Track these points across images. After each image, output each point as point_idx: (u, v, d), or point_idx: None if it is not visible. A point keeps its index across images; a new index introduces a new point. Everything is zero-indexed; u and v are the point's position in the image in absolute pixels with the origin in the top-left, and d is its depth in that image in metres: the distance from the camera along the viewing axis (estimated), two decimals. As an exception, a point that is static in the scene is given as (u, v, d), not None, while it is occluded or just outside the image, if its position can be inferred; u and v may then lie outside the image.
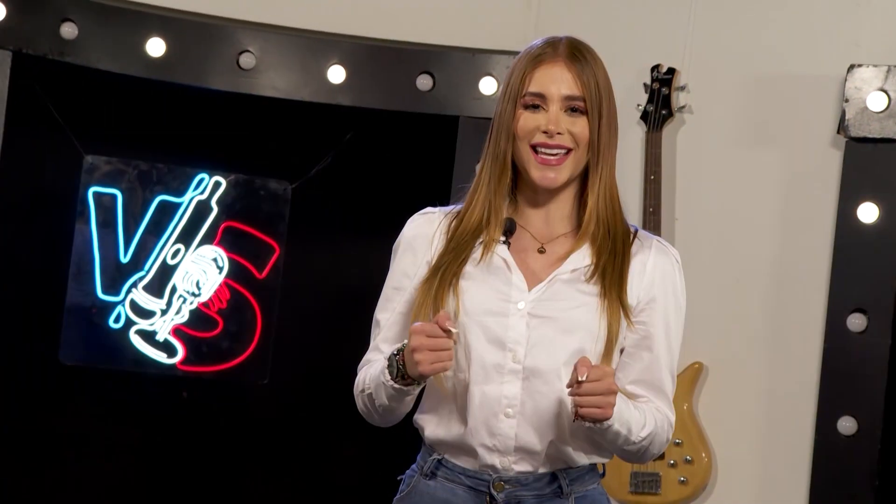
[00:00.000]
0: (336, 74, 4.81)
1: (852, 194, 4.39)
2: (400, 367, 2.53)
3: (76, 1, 4.67)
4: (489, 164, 2.64)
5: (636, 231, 2.69)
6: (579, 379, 2.43)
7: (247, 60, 4.79)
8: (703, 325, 4.57)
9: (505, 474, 2.59)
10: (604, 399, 2.46)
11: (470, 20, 4.92)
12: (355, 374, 2.72)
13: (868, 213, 4.36)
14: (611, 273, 2.61)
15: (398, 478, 2.72)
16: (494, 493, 2.60)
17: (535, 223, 2.67)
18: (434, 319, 2.48)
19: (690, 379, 4.58)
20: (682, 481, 4.53)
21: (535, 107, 2.62)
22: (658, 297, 2.64)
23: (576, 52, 2.63)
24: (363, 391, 2.65)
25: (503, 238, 2.62)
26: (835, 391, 4.39)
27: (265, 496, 5.16)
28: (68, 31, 4.65)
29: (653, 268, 2.66)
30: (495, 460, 2.58)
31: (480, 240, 2.63)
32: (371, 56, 4.84)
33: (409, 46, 4.85)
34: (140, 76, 4.73)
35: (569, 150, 2.60)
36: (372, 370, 2.62)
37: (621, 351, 2.65)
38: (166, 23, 4.75)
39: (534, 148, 2.60)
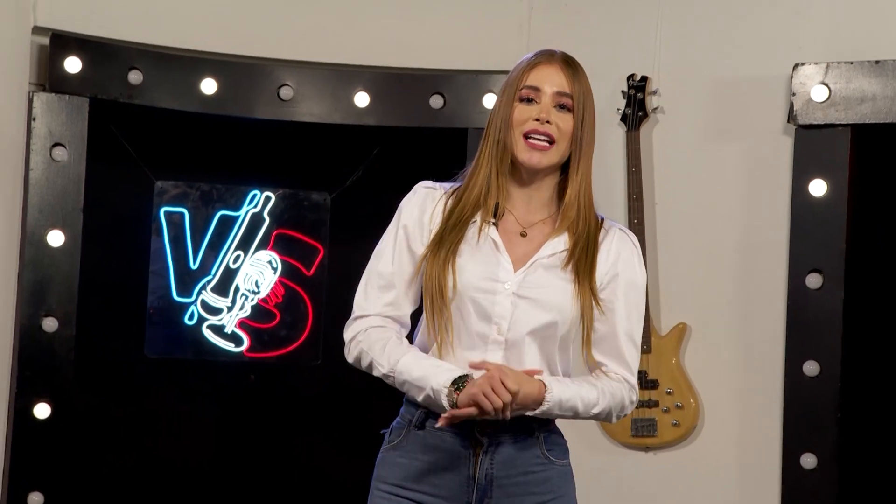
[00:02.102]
0: (362, 99, 4.84)
1: (803, 173, 4.44)
2: (460, 388, 2.53)
3: (140, 51, 4.71)
4: (489, 148, 2.66)
5: (602, 219, 2.72)
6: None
7: (286, 92, 4.81)
8: (684, 292, 4.68)
9: (486, 421, 2.59)
10: (510, 402, 2.49)
11: (472, 46, 4.93)
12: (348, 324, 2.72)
13: (818, 188, 4.42)
14: (583, 262, 2.64)
15: (381, 432, 2.73)
16: (479, 436, 2.62)
17: (519, 207, 2.68)
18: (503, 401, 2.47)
19: (677, 337, 4.62)
20: (675, 424, 4.59)
21: (530, 100, 2.64)
22: (619, 275, 2.68)
23: (569, 60, 2.69)
24: (374, 366, 2.64)
25: (493, 220, 2.64)
26: (799, 340, 4.44)
27: (320, 461, 5.13)
28: (135, 77, 4.69)
29: (616, 251, 2.69)
30: None
31: (475, 219, 2.65)
32: (390, 82, 4.85)
33: (421, 72, 4.87)
34: (197, 112, 4.77)
35: (553, 142, 2.63)
36: (408, 361, 2.59)
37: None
38: (217, 65, 4.77)
39: (525, 136, 2.63)
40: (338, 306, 5.06)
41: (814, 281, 4.43)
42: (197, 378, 5.11)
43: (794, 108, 4.43)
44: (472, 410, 2.50)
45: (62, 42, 4.64)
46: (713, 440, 4.64)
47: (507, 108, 2.65)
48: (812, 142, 4.45)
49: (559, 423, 2.74)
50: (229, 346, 5.04)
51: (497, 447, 2.63)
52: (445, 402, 2.54)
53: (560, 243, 2.67)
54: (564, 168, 2.70)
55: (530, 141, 2.63)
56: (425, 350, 2.68)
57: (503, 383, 2.49)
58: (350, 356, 2.74)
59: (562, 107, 2.65)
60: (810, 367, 4.43)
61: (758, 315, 4.60)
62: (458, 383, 2.54)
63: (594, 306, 2.64)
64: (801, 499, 4.43)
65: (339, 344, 5.00)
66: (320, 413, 5.19)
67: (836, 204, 4.42)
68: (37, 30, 4.66)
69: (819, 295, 4.43)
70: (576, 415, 2.64)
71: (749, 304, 4.62)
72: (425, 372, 2.58)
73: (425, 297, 2.64)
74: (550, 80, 2.65)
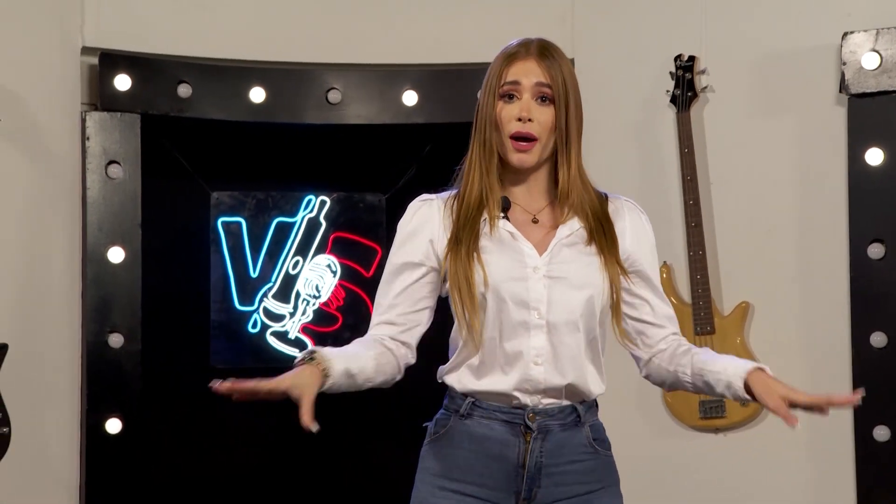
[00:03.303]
0: (410, 98, 4.86)
1: (859, 143, 4.43)
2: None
3: (187, 64, 4.76)
4: (477, 150, 2.67)
5: (606, 195, 2.73)
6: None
7: (334, 96, 4.82)
8: (745, 270, 4.68)
9: (535, 408, 2.61)
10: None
11: (517, 37, 4.69)
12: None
13: (875, 156, 4.42)
14: (602, 235, 2.66)
15: (423, 424, 2.73)
16: (529, 423, 2.62)
17: (521, 198, 2.69)
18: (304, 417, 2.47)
19: (740, 316, 4.62)
20: (744, 403, 4.48)
21: (511, 97, 2.64)
22: (642, 245, 2.71)
23: (544, 51, 2.67)
24: None
25: (502, 214, 2.65)
26: (864, 312, 4.42)
27: (386, 463, 5.03)
28: (184, 90, 4.73)
29: (631, 225, 2.71)
30: (527, 399, 2.61)
31: (484, 216, 2.65)
32: (437, 79, 4.86)
33: (467, 67, 4.81)
34: (247, 121, 4.80)
35: (535, 140, 2.62)
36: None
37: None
38: (263, 73, 4.81)
39: (512, 138, 2.62)
40: None
41: (876, 251, 4.42)
42: None
43: (846, 78, 4.42)
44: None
45: (111, 61, 4.69)
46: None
47: (490, 108, 2.66)
48: (866, 110, 4.43)
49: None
50: (294, 352, 4.96)
51: (546, 434, 2.64)
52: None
53: (574, 224, 2.68)
54: (556, 154, 2.70)
55: (515, 143, 2.64)
56: (465, 357, 2.67)
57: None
58: None
59: (543, 98, 2.64)
60: (877, 339, 4.41)
61: (821, 289, 4.60)
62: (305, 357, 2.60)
63: (622, 277, 2.66)
64: (876, 472, 4.43)
65: None
66: (387, 416, 5.13)
67: (894, 171, 4.41)
68: (85, 50, 4.73)
69: (882, 265, 4.41)
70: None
71: (811, 279, 4.62)
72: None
73: (453, 295, 2.64)
74: (528, 73, 2.65)
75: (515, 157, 2.65)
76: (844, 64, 4.43)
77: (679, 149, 4.67)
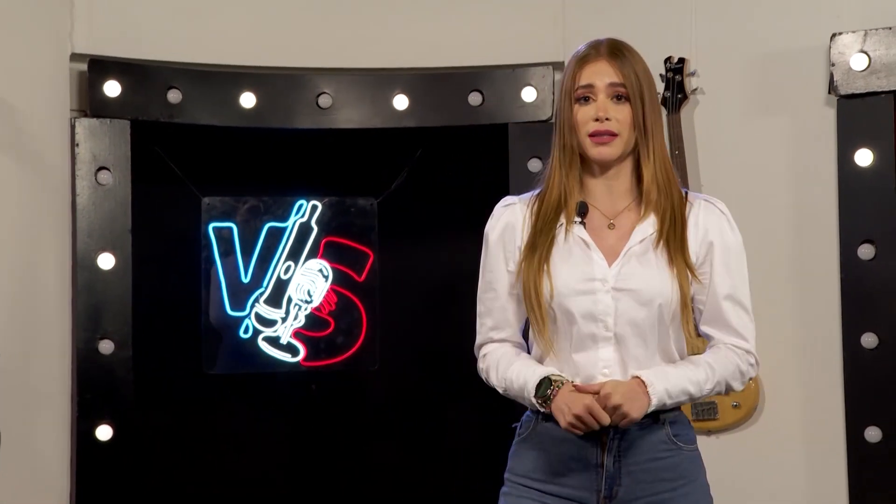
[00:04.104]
0: (400, 102, 4.84)
1: (849, 143, 4.40)
2: (548, 399, 2.61)
3: (177, 70, 4.72)
4: (559, 152, 2.71)
5: (686, 193, 2.74)
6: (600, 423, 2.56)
7: (325, 101, 4.81)
8: None
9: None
10: (619, 415, 2.56)
11: (507, 40, 4.91)
12: (474, 359, 2.83)
13: (864, 157, 4.39)
14: (674, 240, 2.66)
15: (512, 425, 2.78)
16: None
17: (602, 200, 2.72)
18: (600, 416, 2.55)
19: None
20: (735, 405, 4.56)
21: (586, 99, 2.67)
22: (713, 245, 2.70)
23: (615, 50, 2.71)
24: (499, 386, 2.73)
25: (579, 219, 2.68)
26: (855, 312, 4.40)
27: (384, 464, 5.13)
28: (174, 96, 4.70)
29: (704, 223, 2.71)
30: None
31: (560, 222, 2.69)
32: (428, 83, 4.85)
33: (458, 70, 4.85)
34: (238, 126, 4.77)
35: (616, 135, 2.66)
36: (511, 375, 2.69)
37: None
38: (254, 79, 4.77)
39: (590, 136, 2.67)
40: (392, 310, 5.12)
41: (866, 251, 4.40)
42: (256, 391, 5.10)
43: (835, 79, 4.40)
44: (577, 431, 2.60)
45: (100, 67, 4.67)
46: (775, 420, 4.61)
47: (568, 112, 2.69)
48: (855, 111, 4.41)
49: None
50: (286, 357, 5.02)
51: (624, 434, 2.65)
52: (533, 399, 2.64)
53: (648, 227, 2.69)
54: (637, 153, 2.73)
55: (595, 138, 2.67)
56: (539, 358, 2.74)
57: (607, 403, 2.56)
58: (483, 376, 2.84)
59: (618, 97, 2.68)
60: (868, 339, 4.39)
61: (813, 290, 4.57)
62: (542, 391, 2.62)
63: (692, 280, 2.67)
64: (868, 473, 4.40)
65: (396, 347, 5.14)
66: (383, 418, 5.19)
67: (884, 172, 4.38)
68: (75, 56, 4.70)
69: (872, 265, 4.38)
70: (692, 397, 2.67)
71: (803, 280, 4.59)
72: (522, 383, 2.69)
73: (526, 305, 2.70)
74: (601, 75, 2.67)
75: (596, 151, 2.67)
76: (833, 65, 4.41)
77: (670, 151, 4.57)
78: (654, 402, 2.60)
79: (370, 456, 5.16)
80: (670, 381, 2.63)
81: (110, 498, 4.64)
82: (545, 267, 2.66)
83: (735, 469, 4.66)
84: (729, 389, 2.73)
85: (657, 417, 2.67)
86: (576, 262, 2.67)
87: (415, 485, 5.10)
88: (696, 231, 2.70)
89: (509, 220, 2.75)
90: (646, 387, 2.60)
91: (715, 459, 4.40)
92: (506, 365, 2.73)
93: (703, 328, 2.74)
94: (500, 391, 2.75)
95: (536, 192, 2.75)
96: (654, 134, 2.69)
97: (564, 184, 2.70)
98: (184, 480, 5.01)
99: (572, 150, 2.69)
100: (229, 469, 5.06)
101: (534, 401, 2.64)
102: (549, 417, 2.66)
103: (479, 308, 2.80)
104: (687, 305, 2.67)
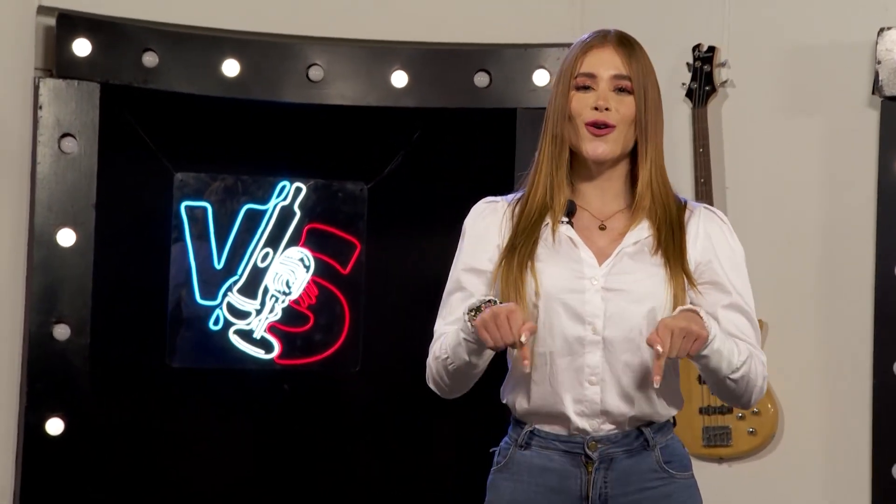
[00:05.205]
0: (399, 79, 4.84)
1: (891, 149, 4.37)
2: (479, 311, 2.55)
3: (155, 31, 4.73)
4: (548, 145, 2.69)
5: (685, 202, 2.73)
6: (658, 354, 2.46)
7: (316, 73, 4.81)
8: (760, 286, 4.56)
9: (596, 434, 2.63)
10: (688, 341, 2.47)
11: (520, 17, 4.95)
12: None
13: None
14: (671, 246, 2.65)
15: (491, 450, 2.77)
16: (589, 452, 2.63)
17: (593, 202, 2.70)
18: (521, 329, 2.48)
19: None
20: (751, 432, 4.55)
21: (586, 88, 2.66)
22: (714, 254, 2.68)
23: (623, 40, 2.69)
24: (438, 358, 2.67)
25: (566, 219, 2.67)
26: (889, 336, 4.35)
27: (363, 473, 5.13)
28: (149, 59, 4.68)
29: (705, 232, 2.69)
30: (585, 424, 2.61)
31: (546, 222, 2.67)
32: (430, 59, 4.87)
33: (464, 47, 4.88)
34: (218, 96, 4.79)
35: (613, 126, 2.64)
36: (447, 338, 2.65)
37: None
38: (239, 45, 4.79)
39: (587, 125, 2.64)
40: (377, 307, 5.12)
41: (904, 269, 4.39)
42: (224, 388, 5.09)
43: (880, 78, 4.34)
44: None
45: (70, 23, 4.63)
46: (794, 449, 4.62)
47: (564, 98, 2.68)
48: (900, 114, 4.43)
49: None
50: (259, 353, 5.02)
51: (610, 463, 2.65)
52: (469, 326, 2.56)
53: (643, 231, 2.68)
54: (634, 154, 2.72)
55: (590, 129, 2.65)
56: (518, 365, 2.67)
57: (673, 329, 2.48)
58: (428, 380, 2.76)
59: (621, 90, 2.67)
60: (902, 367, 4.38)
61: (843, 309, 4.54)
62: (475, 311, 2.55)
63: (689, 288, 2.65)
64: (894, 510, 4.41)
65: (380, 348, 5.12)
66: (361, 423, 5.16)
67: (930, 183, 4.41)
68: (42, 10, 4.66)
69: (911, 285, 4.41)
70: (729, 363, 2.58)
71: (833, 298, 4.57)
72: (457, 329, 2.62)
73: None
74: (606, 64, 2.67)
75: (590, 146, 2.64)
76: (879, 63, 4.35)
77: (693, 148, 4.60)
78: (713, 333, 2.53)
79: (345, 466, 5.15)
80: (722, 341, 2.57)
81: (58, 498, 4.64)
82: (529, 265, 2.65)
83: (747, 502, 4.66)
84: (745, 390, 2.66)
85: (647, 443, 2.66)
86: (563, 260, 2.66)
87: (395, 500, 5.13)
88: (695, 240, 2.71)
89: (489, 217, 2.75)
90: (701, 318, 2.53)
91: (725, 490, 4.64)
92: (444, 340, 2.67)
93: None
94: (445, 367, 2.65)
95: (519, 194, 2.75)
96: (653, 135, 2.69)
97: (552, 179, 2.69)
98: (140, 482, 4.96)
99: (562, 142, 2.68)
100: (189, 471, 5.04)
101: (465, 318, 2.55)
102: (527, 445, 2.68)
103: (442, 310, 2.75)
104: None
